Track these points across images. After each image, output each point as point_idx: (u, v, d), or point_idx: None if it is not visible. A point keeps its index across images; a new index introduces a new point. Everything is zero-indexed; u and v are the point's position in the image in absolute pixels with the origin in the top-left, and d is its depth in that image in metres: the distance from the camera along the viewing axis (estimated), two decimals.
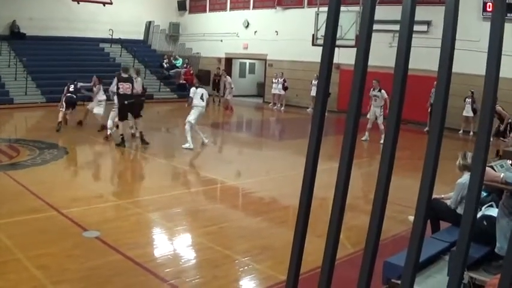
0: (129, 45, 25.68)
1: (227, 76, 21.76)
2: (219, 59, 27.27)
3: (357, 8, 17.42)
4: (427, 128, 16.60)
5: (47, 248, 5.50)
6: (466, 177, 5.49)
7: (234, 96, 21.98)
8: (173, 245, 6.12)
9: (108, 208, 7.41)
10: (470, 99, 16.93)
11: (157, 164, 11.18)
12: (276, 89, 22.91)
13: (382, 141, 13.90)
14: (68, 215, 6.65)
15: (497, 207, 4.69)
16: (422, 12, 16.94)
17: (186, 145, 12.03)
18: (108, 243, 5.77)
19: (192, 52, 28.22)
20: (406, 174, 8.92)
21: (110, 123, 12.32)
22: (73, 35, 23.96)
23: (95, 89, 13.49)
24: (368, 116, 14.29)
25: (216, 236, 6.40)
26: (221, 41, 26.84)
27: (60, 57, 22.30)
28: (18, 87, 19.42)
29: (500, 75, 1.42)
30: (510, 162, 4.91)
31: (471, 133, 16.86)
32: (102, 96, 13.39)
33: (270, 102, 23.91)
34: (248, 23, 26.07)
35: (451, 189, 5.78)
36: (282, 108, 22.76)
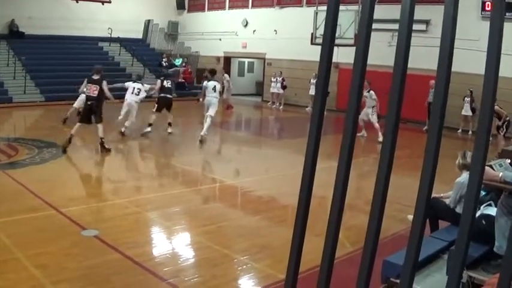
0: (128, 44, 25.65)
1: (225, 74, 21.63)
2: (218, 58, 27.27)
3: (356, 7, 17.40)
4: (426, 127, 16.62)
5: (46, 247, 5.50)
6: (465, 176, 5.50)
7: (232, 95, 21.97)
8: (172, 244, 6.12)
9: (107, 207, 7.40)
10: (469, 98, 16.93)
11: (156, 163, 11.18)
12: (275, 87, 22.93)
13: (380, 139, 14.17)
14: (66, 214, 6.64)
15: (495, 206, 4.69)
16: (421, 12, 16.94)
17: (203, 132, 12.94)
18: (107, 242, 5.77)
19: (191, 51, 28.21)
20: (405, 173, 8.93)
21: (125, 121, 13.06)
22: (72, 33, 23.93)
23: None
24: (359, 116, 14.25)
25: (215, 235, 6.40)
26: (220, 39, 26.83)
27: (59, 56, 22.30)
28: (17, 86, 19.39)
29: (499, 74, 1.42)
30: (509, 161, 4.91)
31: (470, 132, 16.87)
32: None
33: (268, 101, 23.92)
34: (247, 22, 26.07)
35: (450, 188, 5.78)
36: (281, 107, 22.77)
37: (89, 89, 10.85)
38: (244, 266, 5.47)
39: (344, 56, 16.11)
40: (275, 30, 24.32)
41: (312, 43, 19.22)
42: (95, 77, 10.93)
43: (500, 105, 14.27)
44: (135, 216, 6.98)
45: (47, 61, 21.70)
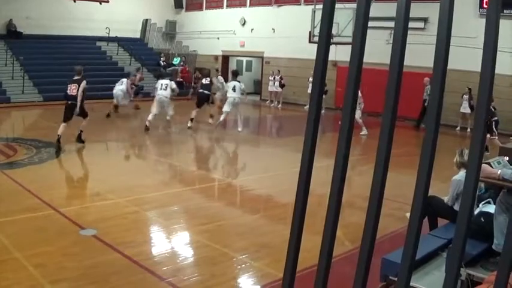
0: (126, 43, 25.64)
1: (219, 76, 20.95)
2: (216, 57, 27.26)
3: (353, 5, 17.37)
4: (423, 125, 16.66)
5: (44, 246, 5.49)
6: (461, 173, 5.50)
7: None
8: (171, 243, 6.12)
9: (105, 206, 7.39)
10: (467, 96, 16.92)
11: (155, 162, 11.17)
12: (273, 86, 22.91)
13: (362, 133, 14.66)
14: (65, 214, 6.64)
15: (494, 204, 4.69)
16: (419, 9, 16.95)
17: (220, 120, 14.42)
18: (106, 241, 5.76)
19: (188, 50, 28.19)
20: (403, 171, 8.90)
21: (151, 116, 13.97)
22: (70, 33, 23.91)
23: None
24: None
25: (214, 233, 6.40)
26: (218, 38, 26.81)
27: (57, 56, 22.24)
28: (15, 86, 19.36)
29: (496, 71, 1.42)
30: (507, 158, 4.92)
31: (468, 130, 16.87)
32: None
33: (267, 100, 23.91)
34: (245, 21, 26.05)
35: (447, 186, 5.79)
36: (279, 105, 22.76)
37: (69, 89, 11.16)
38: (243, 265, 5.47)
39: (342, 54, 16.16)
40: (273, 29, 24.31)
41: (310, 41, 19.22)
42: (76, 77, 11.27)
43: (496, 102, 14.37)
44: (133, 215, 6.97)
45: (45, 61, 21.67)
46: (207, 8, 28.20)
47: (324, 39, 1.58)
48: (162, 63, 25.46)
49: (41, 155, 10.29)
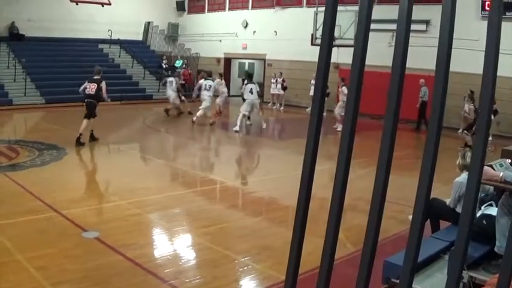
0: (128, 45, 25.69)
1: (216, 79, 20.72)
2: (218, 59, 27.28)
3: (355, 8, 17.37)
4: (424, 126, 16.74)
5: (46, 248, 5.50)
6: (464, 175, 5.49)
7: (232, 96, 21.92)
8: (173, 245, 6.12)
9: (108, 209, 7.41)
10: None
11: (157, 165, 11.17)
12: (275, 88, 22.91)
13: (338, 129, 15.41)
14: (67, 216, 6.64)
15: (496, 206, 4.69)
16: (421, 12, 16.95)
17: (235, 128, 15.01)
18: (108, 243, 5.77)
19: (191, 52, 28.22)
20: (405, 173, 8.91)
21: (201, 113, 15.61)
22: (72, 36, 23.96)
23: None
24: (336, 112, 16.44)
25: (216, 236, 6.40)
26: (220, 41, 26.84)
27: (59, 58, 22.30)
28: (17, 89, 19.41)
29: (498, 74, 1.42)
30: (509, 161, 4.91)
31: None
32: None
33: (269, 102, 23.90)
34: (247, 23, 26.08)
35: (450, 189, 5.78)
36: (281, 108, 22.75)
37: (88, 88, 11.88)
38: (245, 267, 5.46)
39: (344, 56, 16.13)
40: (275, 31, 24.33)
41: (312, 44, 19.23)
42: (95, 77, 12.08)
43: (498, 104, 14.41)
44: (136, 217, 6.97)
45: (47, 63, 21.71)
46: (209, 10, 28.24)
47: (326, 41, 1.59)
48: (164, 66, 25.48)
49: (43, 157, 10.30)
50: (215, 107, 17.65)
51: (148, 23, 27.79)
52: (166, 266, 5.33)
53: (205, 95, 15.93)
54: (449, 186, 5.73)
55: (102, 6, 23.82)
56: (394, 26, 1.53)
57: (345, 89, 15.81)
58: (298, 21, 22.65)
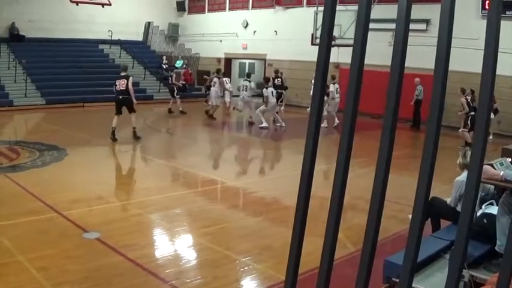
0: (129, 46, 25.69)
1: (221, 78, 20.76)
2: (219, 59, 27.27)
3: (355, 7, 17.33)
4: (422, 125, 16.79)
5: (47, 249, 5.50)
6: (464, 174, 5.48)
7: (233, 96, 21.91)
8: (174, 245, 6.12)
9: (109, 209, 7.40)
10: (469, 97, 16.89)
11: (158, 165, 11.17)
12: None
13: (323, 125, 15.36)
14: (68, 217, 6.65)
15: (497, 205, 4.69)
16: (421, 11, 16.95)
17: (263, 125, 16.11)
18: (109, 244, 5.77)
19: (191, 52, 28.23)
20: (404, 172, 8.92)
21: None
22: (72, 36, 23.97)
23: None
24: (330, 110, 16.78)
25: (216, 236, 6.40)
26: (220, 41, 26.84)
27: (59, 59, 22.30)
28: (17, 90, 19.40)
29: (497, 72, 1.42)
30: (510, 160, 4.91)
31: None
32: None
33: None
34: (247, 23, 26.08)
35: (450, 188, 5.78)
36: (282, 107, 22.73)
37: (118, 84, 12.38)
38: (246, 268, 5.46)
39: (345, 56, 16.11)
40: (275, 31, 24.32)
41: (312, 43, 19.22)
42: (123, 73, 12.61)
43: (498, 103, 14.41)
44: (136, 218, 6.98)
45: (48, 64, 21.70)
46: (209, 10, 28.24)
47: (325, 41, 1.59)
48: (164, 66, 25.47)
49: (43, 158, 10.30)
50: (225, 105, 18.70)
51: (149, 23, 27.79)
52: (167, 267, 5.34)
53: (245, 95, 16.70)
54: (449, 186, 5.73)
55: (103, 6, 23.81)
56: (393, 26, 1.52)
57: (331, 87, 16.51)
58: (298, 21, 22.64)
